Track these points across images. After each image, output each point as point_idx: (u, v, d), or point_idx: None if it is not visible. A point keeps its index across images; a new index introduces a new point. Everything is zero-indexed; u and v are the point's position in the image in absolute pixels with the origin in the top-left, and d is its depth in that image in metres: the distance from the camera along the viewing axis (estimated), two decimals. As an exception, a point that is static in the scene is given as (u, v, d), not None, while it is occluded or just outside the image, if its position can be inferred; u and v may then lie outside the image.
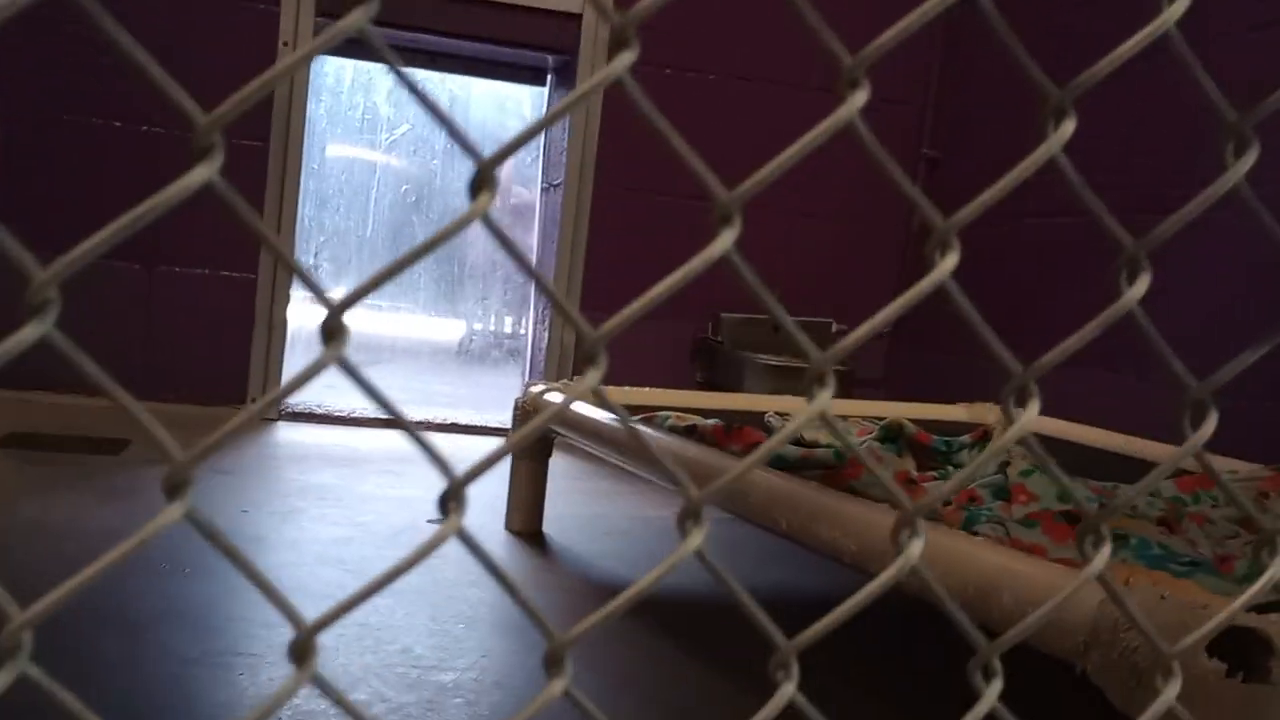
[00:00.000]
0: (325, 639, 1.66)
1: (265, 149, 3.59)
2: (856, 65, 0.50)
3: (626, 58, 0.46)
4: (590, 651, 1.77)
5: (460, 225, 0.45)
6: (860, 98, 0.50)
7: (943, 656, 1.73)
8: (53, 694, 0.39)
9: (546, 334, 4.07)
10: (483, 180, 0.44)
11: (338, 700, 0.45)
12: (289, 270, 3.72)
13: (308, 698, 1.43)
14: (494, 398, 4.50)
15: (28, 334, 0.38)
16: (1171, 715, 0.61)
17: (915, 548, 0.49)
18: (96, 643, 1.58)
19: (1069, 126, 0.54)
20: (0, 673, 0.38)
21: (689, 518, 0.50)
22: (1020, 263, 3.73)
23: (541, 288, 0.42)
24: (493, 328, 5.31)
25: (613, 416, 2.31)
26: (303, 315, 3.78)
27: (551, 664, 0.48)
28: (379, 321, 6.79)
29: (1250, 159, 0.58)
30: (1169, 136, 3.23)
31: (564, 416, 2.41)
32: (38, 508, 2.28)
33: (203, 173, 0.40)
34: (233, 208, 0.42)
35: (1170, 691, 0.62)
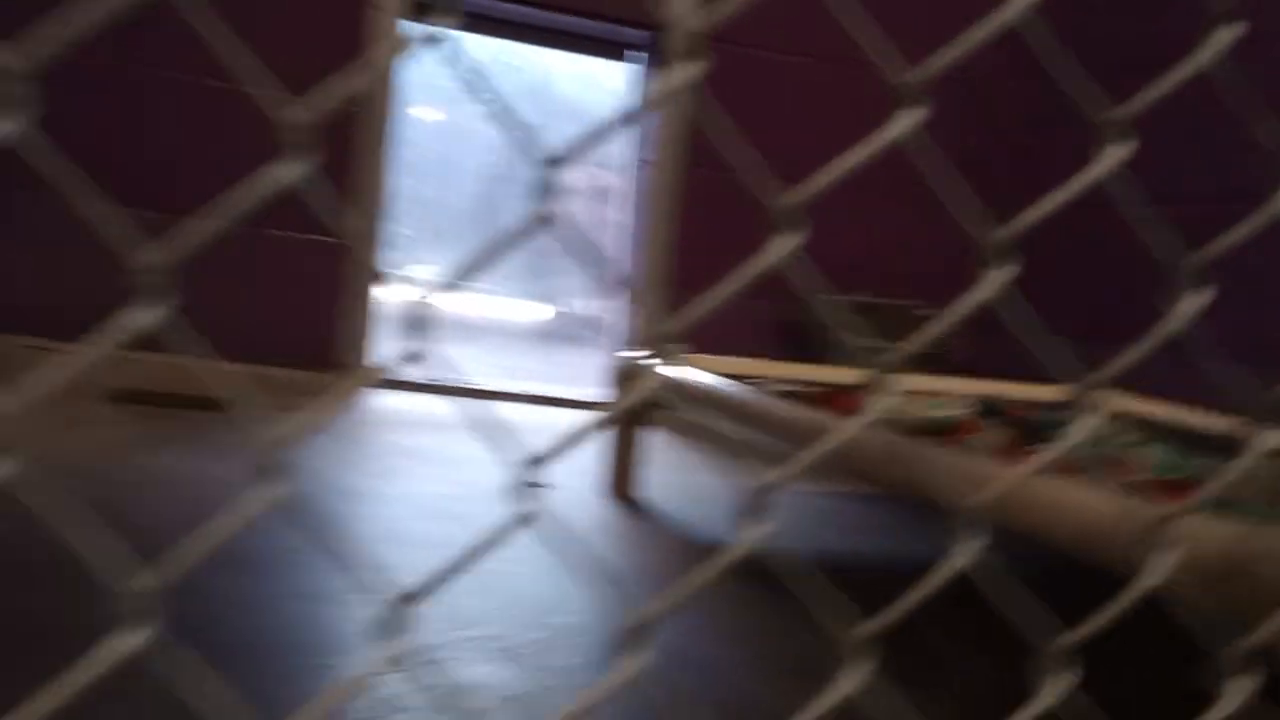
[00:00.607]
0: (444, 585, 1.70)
1: (356, 116, 3.66)
2: (916, 85, 0.50)
3: (692, 69, 0.47)
4: (705, 608, 1.80)
5: (528, 230, 0.45)
6: (919, 114, 0.50)
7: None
8: (179, 658, 0.42)
9: (632, 317, 4.10)
10: (549, 185, 0.44)
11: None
12: (377, 239, 3.79)
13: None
14: (581, 375, 4.54)
15: (139, 319, 0.39)
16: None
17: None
18: (222, 583, 1.64)
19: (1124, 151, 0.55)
20: (131, 635, 0.40)
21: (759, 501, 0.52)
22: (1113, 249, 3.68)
23: (614, 281, 0.42)
24: (579, 310, 5.35)
25: (719, 381, 2.33)
26: (394, 282, 3.86)
27: (630, 639, 0.50)
28: (470, 303, 6.88)
29: None
30: None
31: (669, 383, 2.44)
32: (159, 459, 2.36)
33: (296, 170, 0.41)
34: (320, 206, 0.44)
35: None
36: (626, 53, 4.14)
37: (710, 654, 1.59)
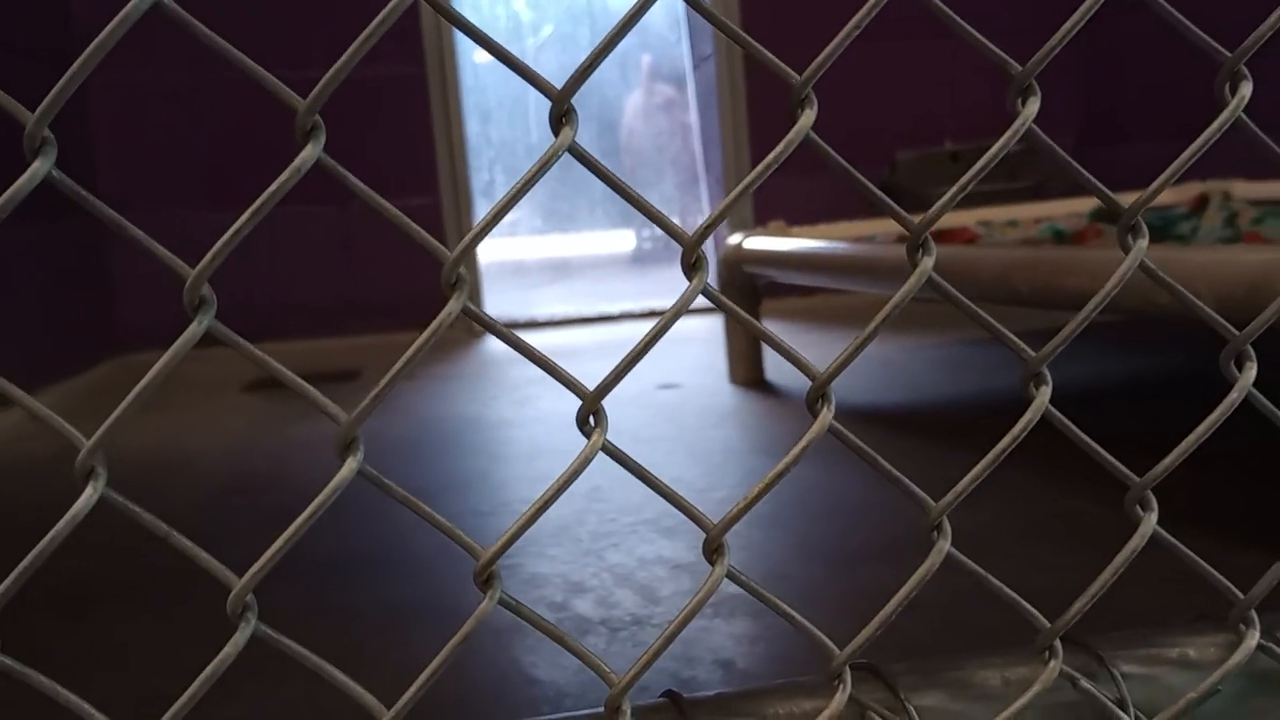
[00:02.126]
0: (604, 480, 1.74)
1: (422, 74, 3.70)
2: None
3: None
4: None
5: (546, 163, 0.44)
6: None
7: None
8: (286, 648, 0.44)
9: (720, 157, 4.06)
10: (561, 116, 0.43)
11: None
12: (466, 192, 3.84)
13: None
14: (674, 291, 4.54)
15: (192, 332, 0.40)
16: None
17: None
18: (315, 591, 1.43)
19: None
20: (237, 633, 0.43)
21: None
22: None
23: (637, 205, 0.41)
24: (669, 198, 5.32)
25: (825, 243, 2.33)
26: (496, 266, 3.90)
27: (711, 552, 0.51)
28: (553, 244, 6.93)
29: None
30: None
31: (771, 254, 2.44)
32: (300, 429, 2.45)
33: (311, 152, 0.40)
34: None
35: None
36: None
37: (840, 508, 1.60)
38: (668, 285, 5.08)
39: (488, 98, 3.93)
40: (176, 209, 3.59)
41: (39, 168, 0.38)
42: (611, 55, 0.44)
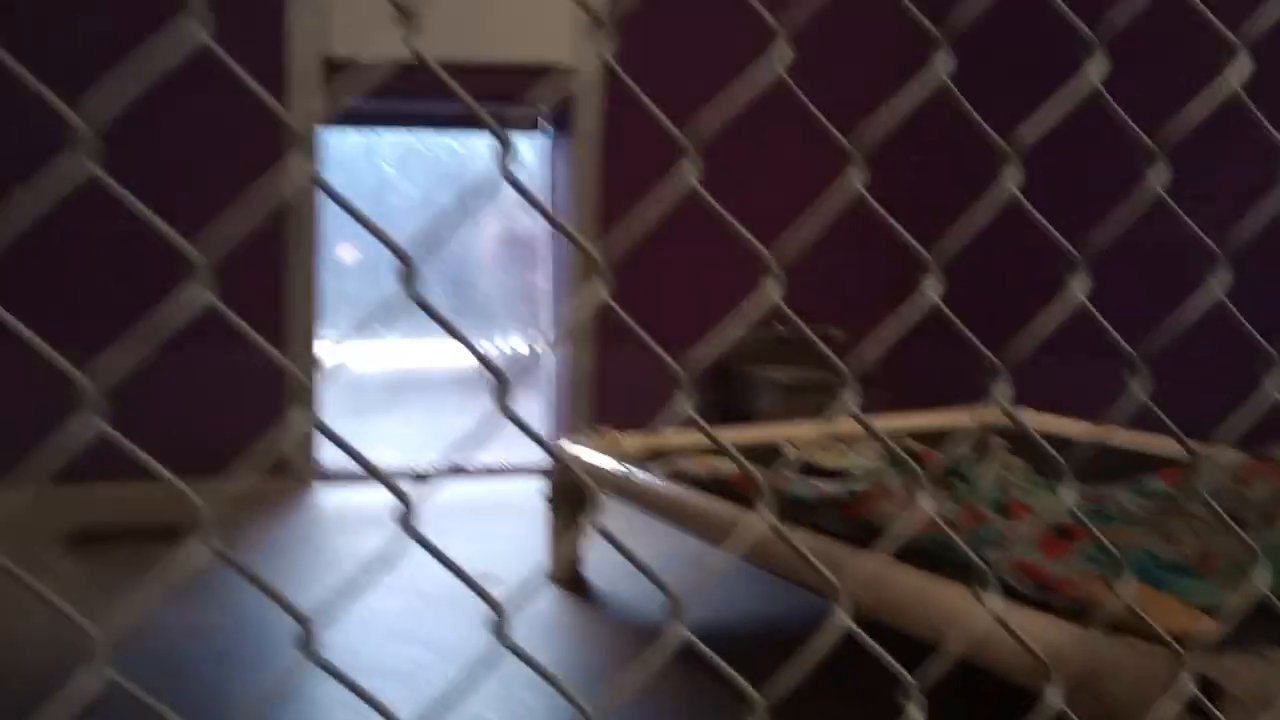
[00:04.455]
0: (404, 710, 1.84)
1: (283, 232, 3.80)
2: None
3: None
4: (648, 701, 1.95)
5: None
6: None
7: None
8: None
9: (564, 356, 4.22)
10: (411, 274, 0.58)
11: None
12: (311, 341, 3.92)
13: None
14: (518, 430, 4.61)
15: (76, 427, 0.48)
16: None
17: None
18: None
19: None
20: None
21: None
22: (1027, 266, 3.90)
23: (469, 348, 0.53)
24: (509, 349, 5.43)
25: (651, 480, 2.49)
26: (331, 377, 3.97)
27: None
28: (394, 355, 6.91)
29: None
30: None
31: (595, 474, 2.60)
32: (117, 613, 2.47)
33: (199, 294, 0.52)
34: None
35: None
36: (540, 126, 4.29)
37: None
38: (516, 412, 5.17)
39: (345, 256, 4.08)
40: None
41: None
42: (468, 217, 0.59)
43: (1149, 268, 3.34)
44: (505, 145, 0.58)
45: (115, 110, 0.49)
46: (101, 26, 3.55)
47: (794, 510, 2.19)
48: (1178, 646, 0.94)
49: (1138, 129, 0.75)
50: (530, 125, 4.29)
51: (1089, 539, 1.03)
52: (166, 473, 0.55)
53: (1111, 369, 0.77)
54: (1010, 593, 1.74)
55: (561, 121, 4.21)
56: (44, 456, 0.51)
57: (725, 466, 2.46)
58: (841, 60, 4.25)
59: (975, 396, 3.46)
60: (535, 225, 4.44)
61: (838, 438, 3.02)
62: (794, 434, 3.05)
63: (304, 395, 3.84)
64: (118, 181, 0.54)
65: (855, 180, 0.66)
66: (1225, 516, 0.95)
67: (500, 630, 0.60)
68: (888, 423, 3.25)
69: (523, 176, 0.56)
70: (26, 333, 0.50)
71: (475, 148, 4.25)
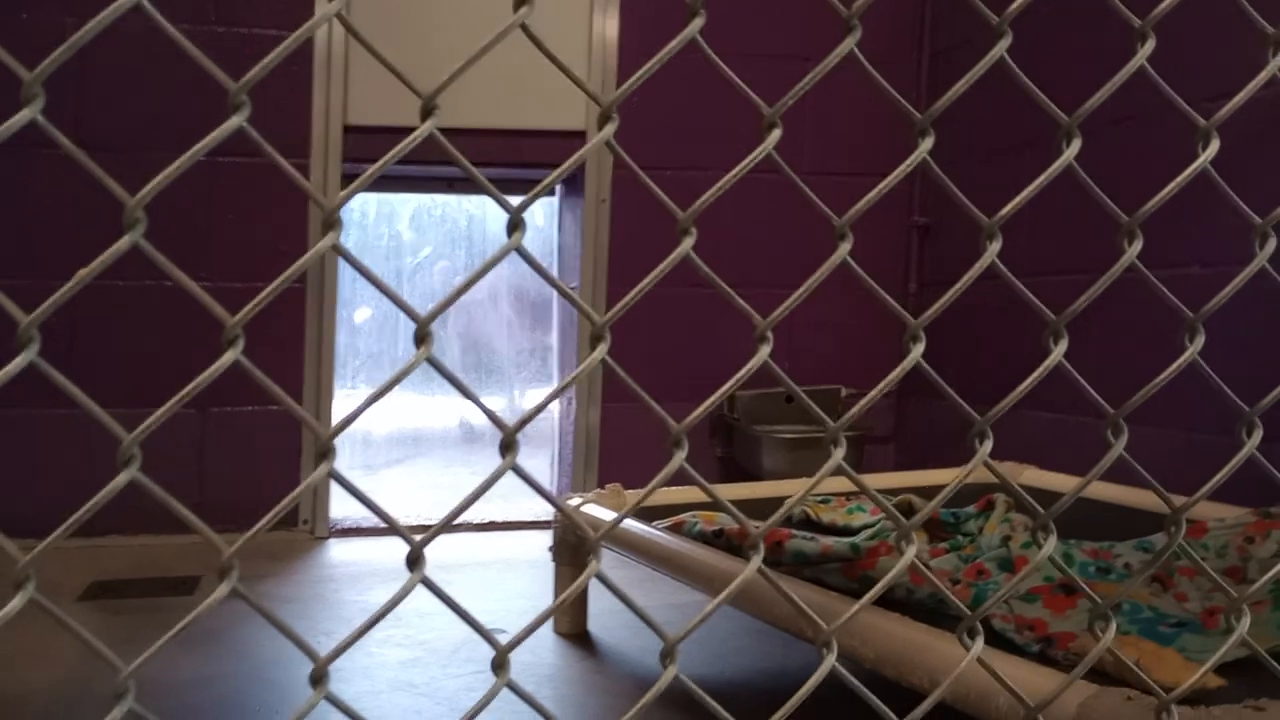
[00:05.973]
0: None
1: (302, 290, 3.86)
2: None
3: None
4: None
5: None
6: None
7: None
8: None
9: (572, 414, 4.28)
10: (515, 223, 0.64)
11: None
12: (329, 398, 3.97)
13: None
14: (524, 486, 4.65)
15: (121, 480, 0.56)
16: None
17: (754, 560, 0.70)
18: None
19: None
20: None
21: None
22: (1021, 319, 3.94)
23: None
24: (520, 405, 5.51)
25: (650, 532, 2.53)
26: (346, 437, 4.04)
27: None
28: (404, 412, 6.98)
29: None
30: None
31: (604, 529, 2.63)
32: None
33: (230, 355, 0.59)
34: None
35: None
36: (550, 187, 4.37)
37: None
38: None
39: (359, 311, 4.15)
40: None
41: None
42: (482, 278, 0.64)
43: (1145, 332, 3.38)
44: (516, 226, 0.64)
45: (161, 188, 0.53)
46: (147, 107, 3.66)
47: (796, 565, 2.22)
48: (1166, 696, 0.97)
49: (1112, 204, 0.80)
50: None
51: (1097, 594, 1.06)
52: (200, 523, 0.59)
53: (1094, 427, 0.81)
54: (1014, 648, 1.77)
55: (571, 181, 4.29)
56: (83, 509, 0.55)
57: (730, 522, 2.49)
58: (827, 136, 4.35)
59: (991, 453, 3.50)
60: (545, 286, 4.51)
61: (842, 494, 3.05)
62: (797, 490, 3.07)
63: (320, 450, 3.88)
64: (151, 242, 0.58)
65: (844, 252, 0.70)
66: (1212, 573, 0.98)
67: (500, 666, 0.64)
68: (893, 479, 3.28)
69: (532, 239, 0.62)
70: (75, 391, 0.55)
71: (489, 209, 4.35)
